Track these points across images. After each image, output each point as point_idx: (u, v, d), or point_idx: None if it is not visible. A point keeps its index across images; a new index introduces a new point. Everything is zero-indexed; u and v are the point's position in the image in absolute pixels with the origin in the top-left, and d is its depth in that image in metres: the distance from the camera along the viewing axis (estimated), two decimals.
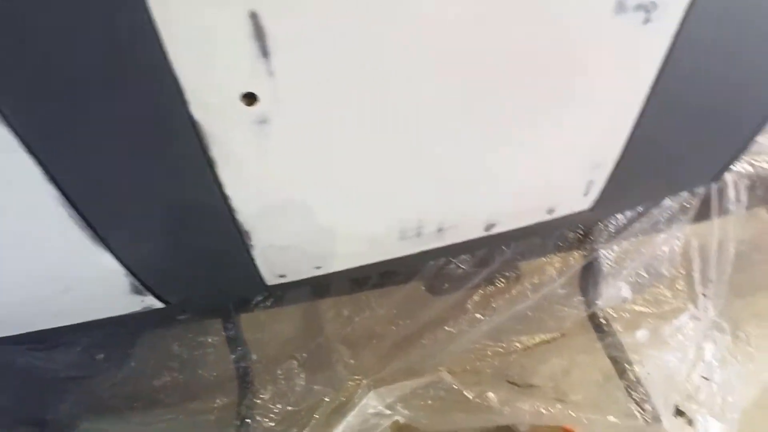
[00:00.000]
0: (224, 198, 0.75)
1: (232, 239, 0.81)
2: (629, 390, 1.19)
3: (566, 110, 0.81)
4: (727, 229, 1.29)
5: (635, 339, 1.26)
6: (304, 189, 0.77)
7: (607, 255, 1.27)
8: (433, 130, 0.74)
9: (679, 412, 1.39)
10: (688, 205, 1.27)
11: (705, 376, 1.53)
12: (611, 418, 1.12)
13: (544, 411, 1.13)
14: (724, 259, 1.31)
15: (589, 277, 1.29)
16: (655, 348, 1.25)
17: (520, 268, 1.27)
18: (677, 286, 1.32)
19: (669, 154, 1.03)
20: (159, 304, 0.92)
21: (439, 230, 0.95)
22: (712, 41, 0.81)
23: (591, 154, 0.92)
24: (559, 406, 1.14)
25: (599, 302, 1.29)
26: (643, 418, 1.15)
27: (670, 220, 1.27)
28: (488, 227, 1.00)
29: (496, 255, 1.20)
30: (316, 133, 0.69)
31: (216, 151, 0.68)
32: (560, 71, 0.74)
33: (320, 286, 1.18)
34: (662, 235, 1.26)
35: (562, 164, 0.91)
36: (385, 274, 1.19)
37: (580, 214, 1.09)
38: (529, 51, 0.69)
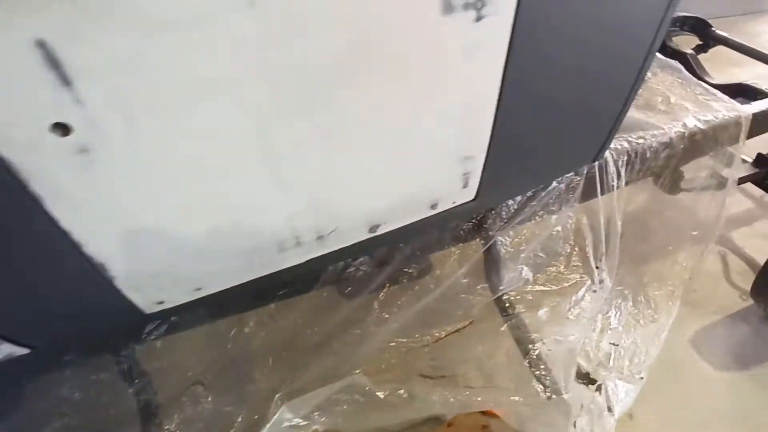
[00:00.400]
0: (64, 233, 0.70)
1: (86, 273, 0.76)
2: (532, 368, 1.24)
3: (423, 108, 0.82)
4: (612, 204, 1.37)
5: (538, 318, 1.31)
6: (151, 212, 0.73)
7: (504, 241, 1.31)
8: (280, 138, 0.73)
9: (590, 380, 1.47)
10: (575, 186, 1.33)
11: (613, 342, 1.63)
12: (515, 398, 1.16)
13: (452, 399, 1.15)
14: (613, 232, 1.39)
15: (490, 263, 1.33)
16: (557, 324, 1.30)
17: (421, 263, 1.29)
18: (573, 262, 1.39)
19: (539, 141, 1.08)
20: (22, 350, 0.85)
21: (320, 237, 0.94)
22: (553, 29, 0.84)
23: (459, 148, 0.94)
24: (467, 392, 1.17)
25: (502, 287, 1.33)
26: (545, 393, 1.21)
27: (560, 201, 1.33)
28: (372, 228, 1.01)
29: (395, 253, 1.21)
30: (148, 155, 0.66)
31: (38, 187, 0.63)
32: (403, 73, 0.75)
33: (217, 305, 1.14)
34: (554, 216, 1.32)
35: (432, 160, 0.93)
36: (285, 284, 1.17)
37: (465, 205, 1.11)
38: (362, 55, 0.69)
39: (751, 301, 1.83)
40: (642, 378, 1.56)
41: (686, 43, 2.49)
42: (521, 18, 0.77)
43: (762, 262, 1.98)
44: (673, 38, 2.27)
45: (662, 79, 1.81)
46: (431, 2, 0.67)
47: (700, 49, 2.43)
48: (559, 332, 1.29)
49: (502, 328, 1.30)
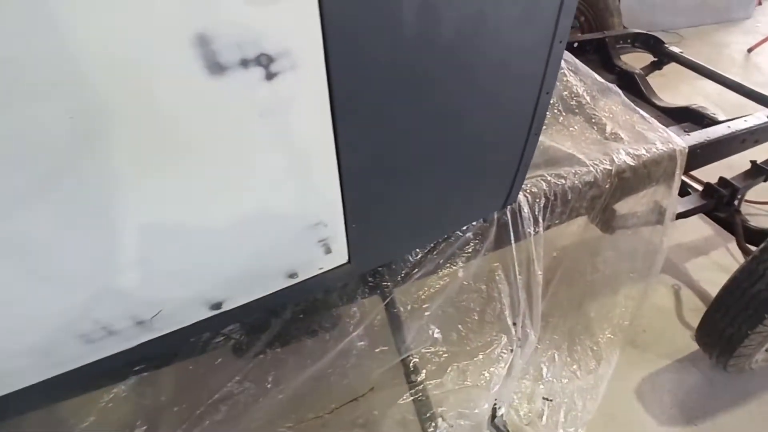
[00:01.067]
0: None
1: None
2: None
3: (231, 178, 0.67)
4: (531, 251, 1.23)
5: (443, 386, 1.16)
6: None
7: (404, 298, 1.16)
8: (29, 225, 0.58)
9: None
10: (485, 234, 1.19)
11: (546, 396, 1.48)
12: None
13: None
14: (534, 282, 1.25)
15: (391, 322, 1.18)
16: (464, 393, 1.16)
17: (311, 326, 1.13)
18: (487, 318, 1.24)
19: (419, 194, 0.93)
20: None
21: (140, 323, 0.79)
22: (398, 70, 0.70)
23: (301, 216, 0.79)
24: None
25: (405, 348, 1.18)
26: None
27: (468, 251, 1.18)
28: (215, 306, 0.86)
29: (272, 319, 1.06)
30: None
31: None
32: (186, 144, 0.60)
33: (53, 389, 0.99)
34: (461, 268, 1.17)
35: (267, 230, 0.78)
36: (139, 360, 1.02)
37: (341, 268, 0.97)
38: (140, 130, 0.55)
39: None
40: None
41: (640, 60, 2.38)
42: (340, 67, 0.63)
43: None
44: (623, 57, 2.14)
45: (602, 105, 1.67)
46: (190, 65, 0.52)
47: (654, 66, 2.30)
48: (466, 402, 1.14)
49: (404, 398, 1.14)
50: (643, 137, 1.45)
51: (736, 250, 2.05)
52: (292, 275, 0.90)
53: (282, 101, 0.61)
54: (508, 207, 1.20)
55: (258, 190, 0.70)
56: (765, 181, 1.74)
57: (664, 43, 2.21)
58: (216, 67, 0.54)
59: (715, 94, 3.11)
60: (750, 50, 3.56)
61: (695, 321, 1.77)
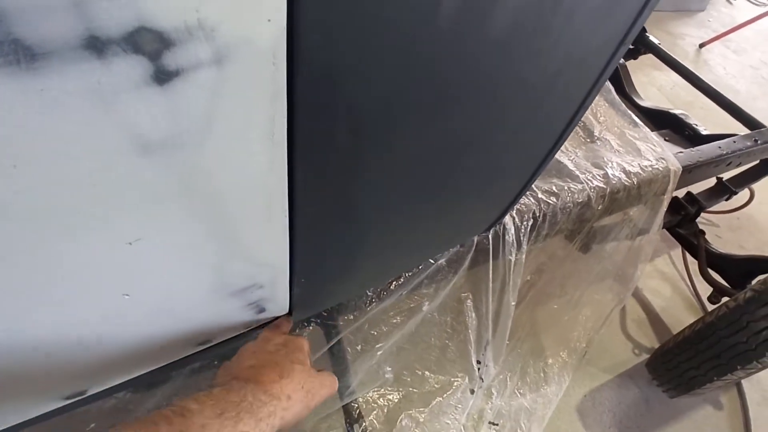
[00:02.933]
0: None
1: None
2: None
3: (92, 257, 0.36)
4: (507, 278, 1.02)
5: None
6: None
7: (353, 336, 0.92)
8: None
9: None
10: (459, 260, 0.96)
11: (493, 421, 1.36)
12: None
13: None
14: (505, 313, 1.06)
15: (334, 365, 0.94)
16: None
17: None
18: (448, 355, 1.04)
19: (392, 235, 0.66)
20: None
21: None
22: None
23: (227, 284, 0.49)
24: None
25: (348, 392, 0.95)
26: None
27: (437, 280, 0.95)
28: (72, 396, 0.55)
29: (172, 372, 0.76)
30: None
31: None
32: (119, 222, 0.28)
33: None
34: (425, 298, 0.94)
35: (165, 311, 0.47)
36: None
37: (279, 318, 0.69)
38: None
39: (642, 356, 1.67)
40: None
41: None
42: (313, 66, 0.32)
43: (657, 308, 1.84)
44: None
45: None
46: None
47: (630, 54, 2.14)
48: None
49: None
50: (636, 148, 1.27)
51: (677, 258, 2.06)
52: (204, 342, 0.61)
53: (190, 123, 0.30)
54: (492, 230, 0.98)
55: (144, 265, 0.39)
56: (727, 199, 1.70)
57: (645, 31, 2.03)
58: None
59: (668, 87, 3.08)
60: (702, 46, 3.56)
61: (637, 333, 1.76)
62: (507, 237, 0.99)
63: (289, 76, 0.32)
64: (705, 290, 1.66)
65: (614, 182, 1.13)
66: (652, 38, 2.05)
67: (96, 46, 0.23)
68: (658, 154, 1.25)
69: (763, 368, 1.08)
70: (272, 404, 0.47)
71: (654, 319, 1.82)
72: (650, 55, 2.05)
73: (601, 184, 1.12)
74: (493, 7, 0.38)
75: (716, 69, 3.39)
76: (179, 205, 0.35)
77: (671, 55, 1.93)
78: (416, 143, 0.47)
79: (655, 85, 3.12)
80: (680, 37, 3.74)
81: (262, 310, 0.60)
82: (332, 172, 0.43)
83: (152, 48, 0.25)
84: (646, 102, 1.69)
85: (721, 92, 1.76)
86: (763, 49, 3.77)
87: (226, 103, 0.31)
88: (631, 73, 3.06)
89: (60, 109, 0.25)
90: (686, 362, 1.20)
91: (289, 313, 0.68)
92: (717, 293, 1.43)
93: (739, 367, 1.06)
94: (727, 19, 4.08)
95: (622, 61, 1.81)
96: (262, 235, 0.45)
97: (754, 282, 1.10)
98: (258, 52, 0.29)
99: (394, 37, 0.34)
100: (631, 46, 2.13)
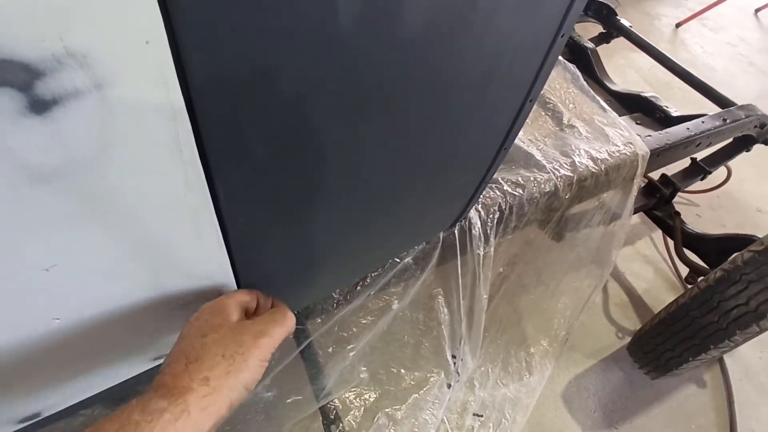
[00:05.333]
0: None
1: None
2: None
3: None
4: (476, 272, 1.03)
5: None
6: None
7: (323, 339, 0.92)
8: None
9: None
10: (426, 257, 0.96)
11: (477, 413, 1.37)
12: None
13: None
14: (478, 307, 1.06)
15: (308, 368, 0.94)
16: None
17: None
18: (422, 352, 1.05)
19: (348, 237, 0.66)
20: None
21: None
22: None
23: (169, 300, 0.49)
24: None
25: (324, 394, 0.96)
26: None
27: (405, 278, 0.95)
28: (27, 419, 0.55)
29: (139, 387, 0.76)
30: None
31: None
32: None
33: None
34: (395, 297, 0.94)
35: (108, 330, 0.47)
36: None
37: None
38: None
39: (626, 339, 1.68)
40: None
41: (587, 30, 2.20)
42: (208, 74, 0.32)
43: (640, 291, 1.86)
44: (575, 25, 1.94)
45: (557, 85, 1.47)
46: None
47: (602, 38, 2.14)
48: None
49: None
50: (604, 134, 1.28)
51: (659, 241, 2.07)
52: (161, 357, 0.61)
53: (81, 148, 0.30)
54: (457, 225, 0.98)
55: (70, 287, 0.39)
56: (702, 179, 1.71)
57: (616, 14, 2.03)
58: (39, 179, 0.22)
59: (646, 69, 3.08)
60: (678, 25, 3.57)
61: (620, 317, 1.77)
62: (474, 231, 0.99)
63: (186, 94, 0.32)
64: (686, 271, 1.68)
65: (581, 170, 1.14)
66: (623, 21, 2.05)
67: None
68: (626, 138, 1.26)
69: (736, 346, 1.10)
70: (178, 403, 0.39)
71: (636, 301, 1.83)
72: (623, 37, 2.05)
73: (568, 173, 1.12)
74: (399, 8, 0.38)
75: (693, 48, 3.40)
76: (91, 229, 0.35)
77: (642, 36, 1.93)
78: (340, 146, 0.47)
79: (633, 67, 3.13)
80: (657, 17, 3.75)
81: None
82: (257, 182, 0.43)
83: (20, 79, 0.25)
84: (617, 86, 1.69)
85: (693, 72, 1.77)
86: (741, 25, 3.78)
87: (120, 125, 0.31)
88: (609, 55, 3.07)
89: None
90: (662, 344, 1.21)
91: None
92: (693, 273, 1.44)
93: (712, 347, 1.08)
94: None
95: (592, 46, 1.82)
96: (196, 251, 0.45)
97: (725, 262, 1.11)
98: (143, 74, 0.29)
99: (287, 39, 0.34)
100: (603, 30, 2.14)
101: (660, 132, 1.31)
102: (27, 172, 0.29)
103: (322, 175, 0.48)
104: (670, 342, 1.18)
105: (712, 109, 1.64)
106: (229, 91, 0.33)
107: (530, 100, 0.67)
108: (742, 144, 1.64)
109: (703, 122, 1.37)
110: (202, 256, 0.46)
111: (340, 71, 0.38)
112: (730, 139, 1.65)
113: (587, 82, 1.49)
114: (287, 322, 0.50)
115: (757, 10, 3.88)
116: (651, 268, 1.94)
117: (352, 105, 0.42)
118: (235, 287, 0.56)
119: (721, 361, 1.63)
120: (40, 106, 0.26)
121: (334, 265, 0.71)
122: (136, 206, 0.36)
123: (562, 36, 0.59)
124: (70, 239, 0.35)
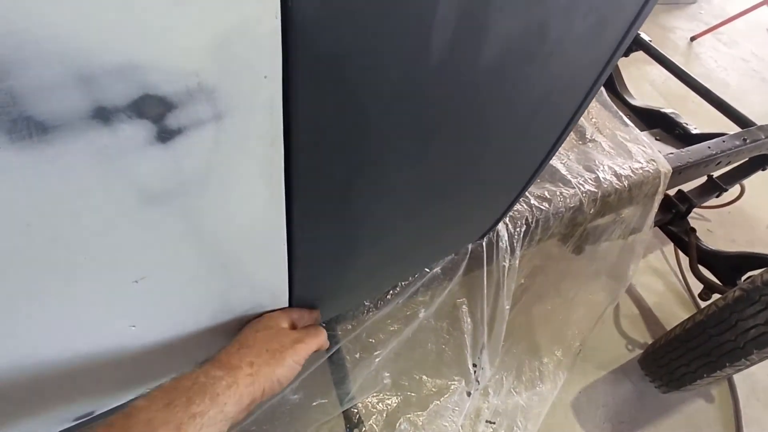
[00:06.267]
0: None
1: None
2: None
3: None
4: (501, 283, 1.04)
5: None
6: None
7: (351, 345, 0.94)
8: None
9: None
10: (453, 267, 0.97)
11: (490, 420, 1.39)
12: None
13: None
14: (500, 317, 1.08)
15: (334, 373, 0.96)
16: None
17: None
18: (445, 360, 1.06)
19: (389, 253, 0.68)
20: None
21: None
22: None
23: (229, 311, 0.51)
24: None
25: (348, 398, 0.97)
26: None
27: (433, 287, 0.97)
28: (81, 417, 0.56)
29: None
30: None
31: None
32: None
33: None
34: (422, 305, 0.96)
35: (172, 345, 0.49)
36: None
37: None
38: None
39: (636, 352, 1.70)
40: None
41: None
42: (311, 114, 0.34)
43: (650, 304, 1.87)
44: None
45: None
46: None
47: None
48: None
49: None
50: (627, 151, 1.29)
51: (670, 254, 2.08)
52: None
53: (192, 174, 0.31)
54: (485, 237, 1.00)
55: (149, 299, 0.41)
56: (718, 196, 1.72)
57: None
58: (41, 130, 0.23)
59: (660, 81, 3.10)
60: (693, 39, 3.58)
61: (631, 329, 1.79)
62: (501, 244, 1.01)
63: (285, 122, 0.34)
64: (697, 286, 1.69)
65: (605, 186, 1.15)
66: (642, 35, 2.06)
67: (103, 115, 0.25)
68: (648, 155, 1.27)
69: (751, 364, 1.11)
70: (231, 375, 0.47)
71: (647, 315, 1.85)
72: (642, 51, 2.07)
73: (593, 188, 1.14)
74: (483, 40, 0.39)
75: (707, 62, 3.41)
76: (182, 245, 0.37)
77: (661, 51, 1.95)
78: (411, 170, 0.49)
79: (647, 79, 3.14)
80: (671, 30, 3.76)
81: None
82: (328, 202, 0.45)
83: (156, 112, 0.26)
84: (637, 101, 1.71)
85: (711, 88, 1.78)
86: (755, 41, 3.79)
87: (226, 151, 0.32)
88: (624, 68, 3.08)
89: (71, 172, 0.26)
90: (677, 359, 1.23)
91: None
92: (707, 290, 1.46)
93: (728, 364, 1.09)
94: (718, 11, 4.09)
95: None
96: (262, 264, 0.47)
97: (742, 280, 1.12)
98: (256, 106, 0.30)
99: (385, 80, 0.35)
100: None
101: (681, 150, 1.32)
102: (141, 195, 0.31)
103: (384, 195, 0.50)
104: (685, 358, 1.19)
105: (727, 125, 1.65)
106: (323, 120, 0.35)
107: (574, 121, 0.69)
108: (759, 163, 1.66)
109: (723, 141, 1.39)
110: (268, 269, 0.48)
111: (424, 99, 0.39)
112: (747, 158, 1.67)
113: (609, 96, 1.51)
114: (321, 336, 0.60)
115: None
116: (662, 282, 1.95)
117: (429, 129, 0.43)
118: (287, 298, 0.57)
119: (729, 378, 1.65)
120: (166, 135, 0.28)
121: (374, 277, 0.72)
122: (222, 223, 0.38)
123: (609, 66, 0.60)
124: (163, 255, 0.37)
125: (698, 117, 2.42)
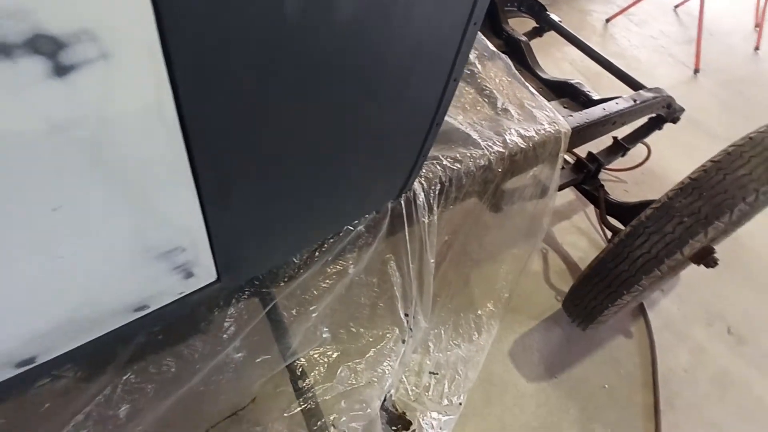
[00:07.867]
0: None
1: None
2: None
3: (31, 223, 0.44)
4: (423, 239, 1.16)
5: (333, 389, 1.08)
6: None
7: (287, 302, 1.02)
8: None
9: (404, 424, 1.32)
10: (376, 225, 1.08)
11: (433, 371, 1.51)
12: None
13: None
14: (426, 270, 1.19)
15: (274, 329, 1.04)
16: (356, 394, 1.09)
17: (174, 347, 0.94)
18: (378, 312, 1.17)
19: (300, 200, 0.77)
20: None
21: None
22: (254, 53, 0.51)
23: (149, 247, 0.58)
24: None
25: (290, 353, 1.06)
26: None
27: (359, 245, 1.07)
28: (22, 363, 0.62)
29: (118, 346, 0.84)
30: None
31: None
32: None
33: None
34: (351, 264, 1.06)
35: (96, 273, 0.56)
36: None
37: (207, 288, 0.78)
38: None
39: None
40: (461, 404, 1.48)
41: (522, 25, 2.40)
42: (185, 53, 0.42)
43: (576, 259, 2.06)
44: (510, 20, 2.12)
45: (492, 75, 1.63)
46: None
47: (536, 32, 2.34)
48: (358, 404, 1.08)
49: (291, 409, 1.04)
50: (532, 116, 1.44)
51: (592, 215, 2.29)
52: (141, 308, 0.69)
53: (90, 106, 0.39)
54: (403, 195, 1.11)
55: (70, 229, 0.48)
56: (623, 155, 1.92)
57: (546, 10, 2.23)
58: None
59: (579, 60, 3.34)
60: (608, 20, 3.87)
61: (559, 282, 1.96)
62: (418, 201, 1.12)
63: (170, 69, 0.42)
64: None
65: (512, 146, 1.29)
66: (553, 16, 2.25)
67: (4, 50, 0.32)
68: (550, 119, 1.43)
69: (644, 290, 1.28)
70: None
71: (573, 268, 2.04)
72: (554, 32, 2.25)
73: (500, 149, 1.27)
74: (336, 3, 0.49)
75: (621, 41, 3.70)
76: (92, 175, 0.44)
77: (569, 30, 2.14)
78: (297, 117, 0.58)
79: (567, 59, 3.38)
80: (588, 13, 4.04)
81: (190, 275, 0.70)
82: (223, 144, 0.53)
83: (48, 49, 0.34)
84: (547, 75, 1.88)
85: (620, 63, 1.99)
86: (662, 20, 4.14)
87: (118, 89, 0.40)
88: (546, 49, 3.30)
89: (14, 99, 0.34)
90: (587, 295, 1.39)
91: (218, 279, 0.78)
92: (614, 235, 1.64)
93: (625, 292, 1.26)
94: None
95: (525, 39, 1.99)
96: (172, 199, 0.55)
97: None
98: (136, 50, 0.39)
99: (249, 39, 0.44)
100: (536, 25, 2.33)
101: (580, 112, 1.49)
102: (46, 123, 0.38)
103: (277, 140, 0.59)
104: (593, 292, 1.36)
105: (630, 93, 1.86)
106: (206, 70, 0.44)
107: (454, 80, 0.80)
108: (655, 123, 1.87)
109: (617, 103, 1.57)
110: (179, 205, 0.56)
111: (290, 49, 0.49)
112: (645, 119, 1.88)
113: (521, 72, 1.66)
114: None
115: (675, 7, 4.25)
116: (585, 239, 2.15)
117: (303, 82, 0.53)
118: (207, 239, 0.65)
119: (644, 313, 1.86)
120: (62, 71, 0.36)
121: (293, 227, 0.81)
122: (126, 156, 0.46)
123: (474, 24, 0.72)
124: (74, 183, 0.44)
125: (611, 90, 2.65)
